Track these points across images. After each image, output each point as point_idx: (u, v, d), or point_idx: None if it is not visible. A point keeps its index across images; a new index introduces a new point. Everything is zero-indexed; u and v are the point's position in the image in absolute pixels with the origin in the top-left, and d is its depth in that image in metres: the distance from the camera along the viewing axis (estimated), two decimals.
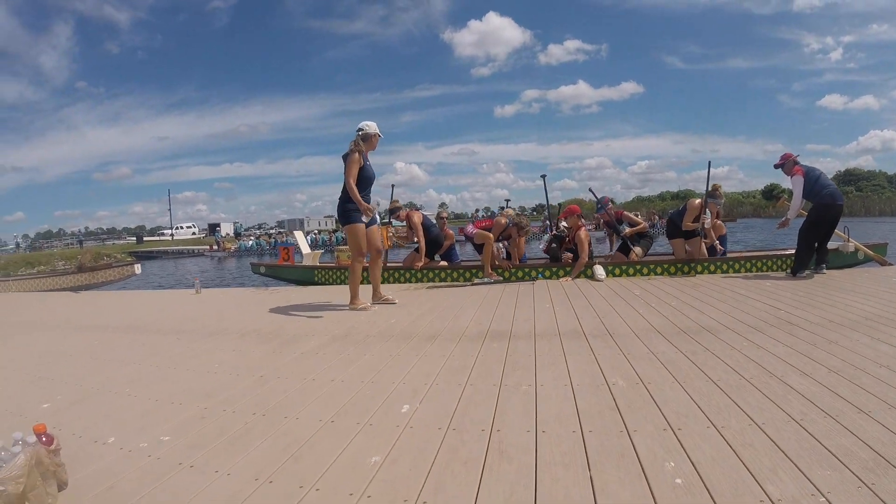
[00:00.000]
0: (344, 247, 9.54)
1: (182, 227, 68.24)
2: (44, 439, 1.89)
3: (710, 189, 8.06)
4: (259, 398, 2.88)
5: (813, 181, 6.80)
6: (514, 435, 2.20)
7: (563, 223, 8.27)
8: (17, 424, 2.41)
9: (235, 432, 2.40)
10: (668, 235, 8.46)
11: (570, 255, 8.23)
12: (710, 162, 8.24)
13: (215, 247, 37.41)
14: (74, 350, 4.63)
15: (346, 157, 5.72)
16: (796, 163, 7.08)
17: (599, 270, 7.54)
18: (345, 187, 5.70)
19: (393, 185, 9.73)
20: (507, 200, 8.82)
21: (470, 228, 8.10)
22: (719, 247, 8.25)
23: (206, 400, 2.90)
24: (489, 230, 7.83)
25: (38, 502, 1.75)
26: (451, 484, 1.82)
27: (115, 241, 67.99)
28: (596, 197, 9.25)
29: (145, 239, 65.39)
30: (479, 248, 8.02)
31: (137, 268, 13.14)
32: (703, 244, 7.96)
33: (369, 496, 1.76)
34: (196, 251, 38.40)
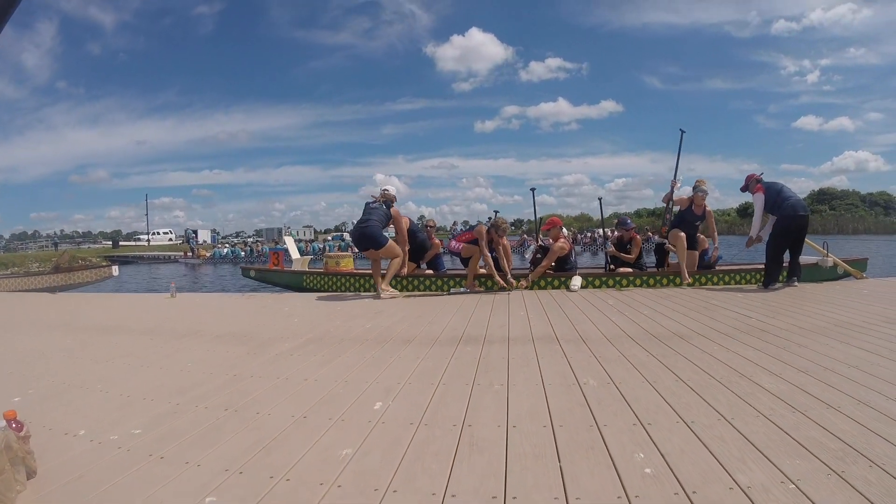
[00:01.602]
0: (332, 254, 9.84)
1: (159, 233, 66.98)
2: (13, 425, 1.86)
3: (695, 184, 8.07)
4: (232, 395, 2.86)
5: (774, 195, 6.98)
6: (486, 430, 2.21)
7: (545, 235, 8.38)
8: None
9: (207, 427, 2.38)
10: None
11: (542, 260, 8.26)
12: (682, 131, 8.71)
13: (189, 253, 36.74)
14: (47, 348, 4.56)
15: (374, 207, 7.63)
16: (758, 181, 7.27)
17: (576, 281, 7.58)
18: (373, 221, 7.51)
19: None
20: (496, 212, 8.89)
21: (454, 244, 8.06)
22: (714, 255, 8.48)
23: (178, 396, 2.88)
24: (473, 242, 7.75)
25: (5, 487, 1.71)
26: (421, 474, 1.82)
27: (91, 245, 66.55)
28: (601, 208, 9.59)
29: (121, 244, 64.40)
30: (465, 261, 7.99)
31: (115, 269, 12.95)
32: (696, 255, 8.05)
33: (339, 486, 1.76)
34: (171, 257, 37.80)
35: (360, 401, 2.67)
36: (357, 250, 8.66)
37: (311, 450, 2.07)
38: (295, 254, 11.33)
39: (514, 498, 1.64)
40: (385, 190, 7.85)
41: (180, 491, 1.78)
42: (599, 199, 9.87)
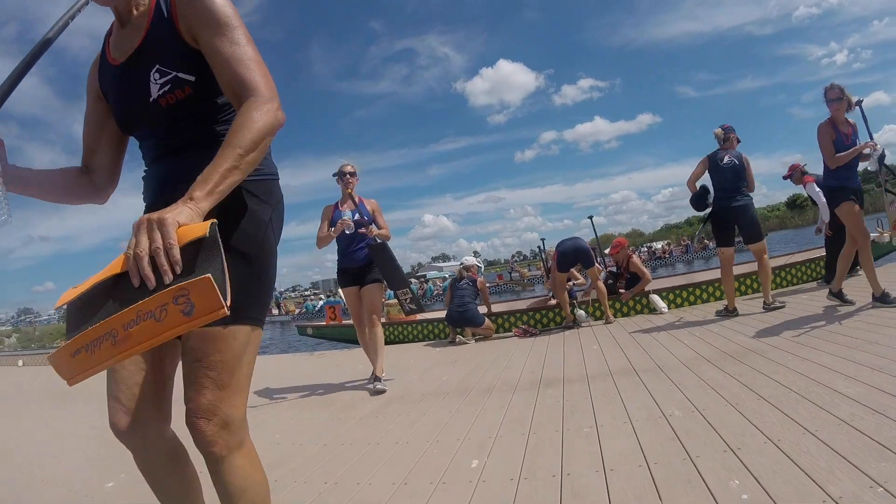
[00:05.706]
0: (393, 301, 9.44)
1: None
2: None
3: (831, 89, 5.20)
4: (327, 466, 2.97)
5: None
6: (584, 477, 2.30)
7: (612, 258, 8.38)
8: None
9: (310, 503, 2.48)
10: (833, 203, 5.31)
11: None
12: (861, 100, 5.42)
13: (275, 310, 36.77)
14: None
15: (464, 288, 7.66)
16: (804, 172, 7.19)
17: (659, 303, 7.51)
18: (471, 305, 7.57)
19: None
20: (590, 216, 9.20)
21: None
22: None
23: (274, 471, 2.93)
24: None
25: None
26: None
27: None
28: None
29: None
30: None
31: None
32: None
33: None
34: None
35: (455, 460, 2.77)
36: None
37: None
38: None
39: None
40: (462, 265, 8.14)
41: None
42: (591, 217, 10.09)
